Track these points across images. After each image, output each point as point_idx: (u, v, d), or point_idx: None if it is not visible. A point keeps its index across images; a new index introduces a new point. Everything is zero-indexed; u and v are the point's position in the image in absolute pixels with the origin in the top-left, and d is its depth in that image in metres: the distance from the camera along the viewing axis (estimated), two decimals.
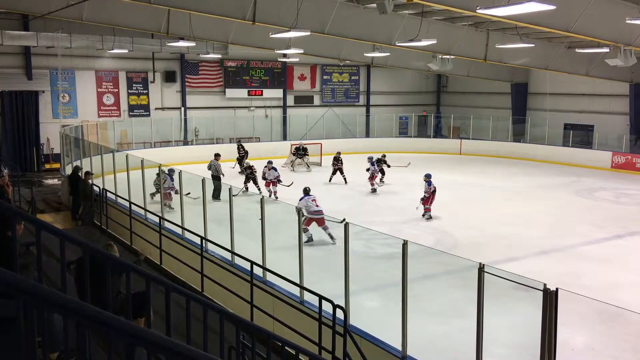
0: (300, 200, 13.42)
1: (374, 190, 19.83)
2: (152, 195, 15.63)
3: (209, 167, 18.57)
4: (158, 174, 15.12)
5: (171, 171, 14.34)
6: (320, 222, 13.16)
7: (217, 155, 18.98)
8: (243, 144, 24.66)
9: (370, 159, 20.21)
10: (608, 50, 18.44)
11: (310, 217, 13.00)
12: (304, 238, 11.42)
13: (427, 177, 16.06)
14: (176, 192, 13.25)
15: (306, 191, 13.88)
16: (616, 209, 17.47)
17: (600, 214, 16.86)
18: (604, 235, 14.57)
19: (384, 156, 22.15)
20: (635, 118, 26.72)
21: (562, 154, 27.28)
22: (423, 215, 15.88)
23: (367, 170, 19.95)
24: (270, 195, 17.75)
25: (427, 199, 15.80)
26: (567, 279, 10.47)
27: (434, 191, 15.86)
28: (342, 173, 21.36)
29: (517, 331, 8.42)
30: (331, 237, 13.15)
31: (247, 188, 18.29)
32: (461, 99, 36.05)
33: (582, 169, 25.35)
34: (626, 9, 14.99)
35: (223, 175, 18.52)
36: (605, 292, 9.99)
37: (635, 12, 14.44)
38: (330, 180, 21.32)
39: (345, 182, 21.09)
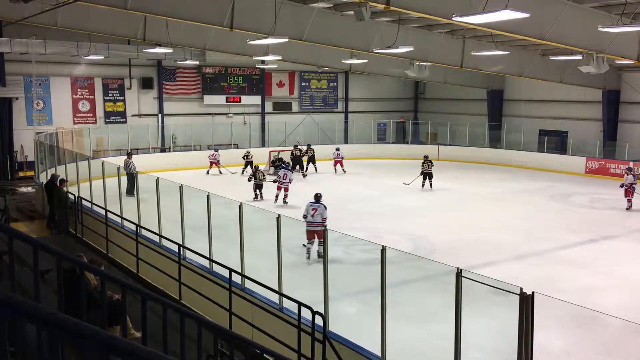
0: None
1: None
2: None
3: (124, 167, 18.73)
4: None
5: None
6: (318, 235, 11.81)
7: (129, 155, 20.58)
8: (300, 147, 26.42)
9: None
10: (581, 57, 18.79)
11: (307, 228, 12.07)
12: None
13: (628, 171, 16.68)
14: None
15: (315, 197, 12.70)
16: (590, 214, 17.74)
17: (575, 218, 17.10)
18: (578, 239, 14.78)
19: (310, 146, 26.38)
20: (608, 124, 27.25)
21: (537, 159, 27.68)
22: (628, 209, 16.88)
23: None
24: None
25: (628, 191, 16.32)
26: (543, 283, 10.57)
27: (631, 184, 16.40)
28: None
29: (494, 335, 8.50)
30: (319, 254, 11.70)
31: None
32: (438, 105, 36.38)
33: (556, 174, 25.73)
34: (598, 17, 15.31)
35: (135, 173, 18.30)
36: (580, 296, 10.13)
37: (607, 20, 14.75)
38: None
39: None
